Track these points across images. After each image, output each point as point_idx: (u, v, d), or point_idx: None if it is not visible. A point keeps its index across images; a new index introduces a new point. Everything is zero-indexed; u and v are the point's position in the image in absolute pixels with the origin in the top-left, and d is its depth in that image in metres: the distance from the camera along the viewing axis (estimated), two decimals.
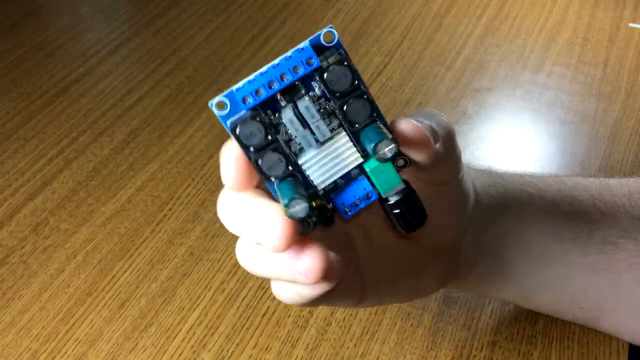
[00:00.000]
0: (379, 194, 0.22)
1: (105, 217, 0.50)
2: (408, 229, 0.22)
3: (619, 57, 0.67)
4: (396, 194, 0.22)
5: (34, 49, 0.69)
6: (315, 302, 0.23)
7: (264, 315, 0.43)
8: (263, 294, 0.44)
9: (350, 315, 0.43)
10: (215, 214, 0.50)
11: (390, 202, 0.22)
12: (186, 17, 0.74)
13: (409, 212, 0.22)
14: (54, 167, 0.55)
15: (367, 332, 0.42)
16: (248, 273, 0.46)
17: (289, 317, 0.43)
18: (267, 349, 0.41)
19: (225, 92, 0.21)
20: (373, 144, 0.20)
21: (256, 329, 0.42)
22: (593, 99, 0.62)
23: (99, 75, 0.66)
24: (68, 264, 0.47)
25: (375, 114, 0.21)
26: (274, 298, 0.44)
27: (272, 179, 0.21)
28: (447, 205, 0.27)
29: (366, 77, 0.65)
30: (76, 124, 0.60)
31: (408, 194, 0.22)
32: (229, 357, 0.41)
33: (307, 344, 0.41)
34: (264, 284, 0.45)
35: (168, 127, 0.59)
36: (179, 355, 0.41)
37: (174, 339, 0.42)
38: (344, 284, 0.25)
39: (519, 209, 0.31)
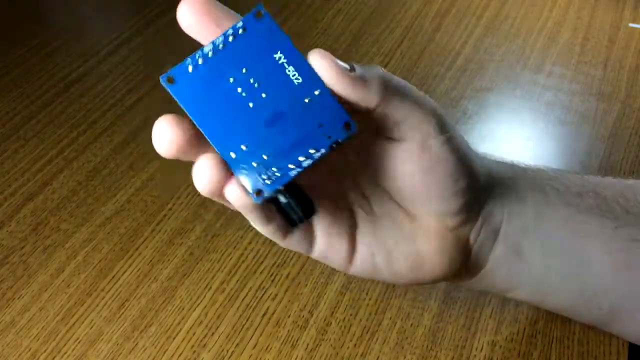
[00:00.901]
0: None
1: (105, 217, 0.50)
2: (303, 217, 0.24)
3: (619, 57, 0.67)
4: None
5: (34, 49, 0.69)
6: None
7: (264, 315, 0.43)
8: (263, 294, 0.44)
9: (350, 315, 0.43)
10: (215, 213, 0.51)
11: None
12: None
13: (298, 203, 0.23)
14: (54, 167, 0.55)
15: (367, 332, 0.42)
16: (248, 273, 0.46)
17: (289, 317, 0.43)
18: (267, 349, 0.41)
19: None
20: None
21: (256, 329, 0.42)
22: (593, 99, 0.62)
23: (99, 75, 0.66)
24: (68, 264, 0.47)
25: None
26: (274, 298, 0.44)
27: None
28: (434, 170, 0.26)
29: None
30: (76, 124, 0.59)
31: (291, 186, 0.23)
32: (229, 357, 0.41)
33: (307, 344, 0.41)
34: (263, 284, 0.45)
35: None
36: (179, 355, 0.41)
37: (174, 339, 0.42)
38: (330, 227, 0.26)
39: (541, 202, 0.30)
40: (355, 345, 0.41)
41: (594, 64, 0.66)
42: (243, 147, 0.22)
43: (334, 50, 0.69)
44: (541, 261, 0.30)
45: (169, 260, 0.47)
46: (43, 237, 0.49)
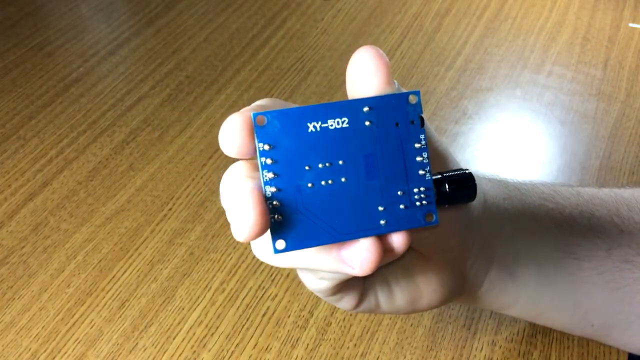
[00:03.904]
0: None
1: (105, 217, 0.50)
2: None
3: (619, 57, 0.67)
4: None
5: (34, 49, 0.69)
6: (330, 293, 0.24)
7: (264, 315, 0.43)
8: (263, 294, 0.44)
9: (350, 315, 0.43)
10: (215, 213, 0.51)
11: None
12: (186, 17, 0.74)
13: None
14: (54, 167, 0.55)
15: (367, 332, 0.42)
16: (248, 273, 0.46)
17: (289, 317, 0.43)
18: (267, 349, 0.41)
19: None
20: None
21: (256, 329, 0.42)
22: (593, 99, 0.62)
23: (99, 75, 0.66)
24: (68, 264, 0.47)
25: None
26: (274, 298, 0.44)
27: None
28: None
29: None
30: (76, 124, 0.60)
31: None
32: (229, 357, 0.41)
33: (307, 344, 0.41)
34: (263, 284, 0.45)
35: (168, 127, 0.59)
36: (179, 355, 0.41)
37: (174, 339, 0.42)
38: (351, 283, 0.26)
39: (535, 224, 0.30)
40: (355, 345, 0.41)
41: (594, 64, 0.66)
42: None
43: (334, 50, 0.69)
44: (534, 282, 0.30)
45: (169, 260, 0.47)
46: (43, 237, 0.49)
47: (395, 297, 0.28)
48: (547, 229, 0.30)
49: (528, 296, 0.31)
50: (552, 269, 0.30)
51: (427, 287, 0.28)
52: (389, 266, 0.27)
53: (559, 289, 0.31)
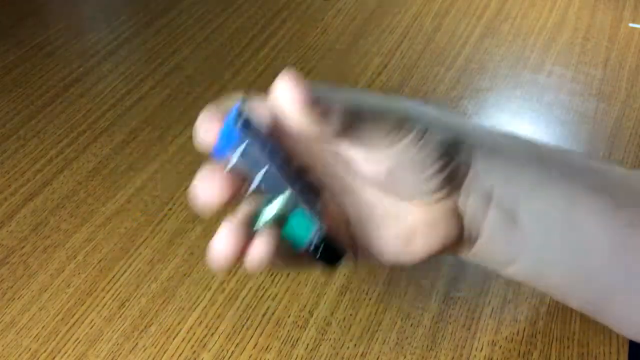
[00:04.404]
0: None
1: (105, 217, 0.50)
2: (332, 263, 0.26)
3: (619, 57, 0.67)
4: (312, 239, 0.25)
5: (34, 49, 0.69)
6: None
7: (264, 315, 0.43)
8: (263, 294, 0.44)
9: (350, 315, 0.43)
10: (215, 213, 0.51)
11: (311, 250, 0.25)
12: (186, 17, 0.74)
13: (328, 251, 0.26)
14: (54, 167, 0.55)
15: (367, 332, 0.42)
16: (248, 273, 0.46)
17: (289, 317, 0.43)
18: (267, 349, 0.41)
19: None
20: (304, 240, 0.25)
21: (256, 329, 0.42)
22: (593, 99, 0.62)
23: (99, 75, 0.66)
24: (68, 264, 0.47)
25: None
26: (274, 298, 0.44)
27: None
28: (404, 168, 0.26)
29: (366, 77, 0.65)
30: (76, 124, 0.60)
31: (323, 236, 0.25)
32: (229, 357, 0.41)
33: (307, 344, 0.41)
34: (264, 284, 0.45)
35: (168, 127, 0.59)
36: (179, 355, 0.41)
37: (174, 339, 0.42)
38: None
39: (542, 171, 0.29)
40: (355, 345, 0.41)
41: (594, 64, 0.66)
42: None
43: (334, 50, 0.69)
44: (538, 231, 0.29)
45: (169, 260, 0.47)
46: (43, 237, 0.49)
47: (388, 243, 0.28)
48: (555, 179, 0.29)
49: (532, 248, 0.30)
50: (558, 220, 0.29)
51: (419, 228, 0.28)
52: (372, 214, 0.28)
53: (565, 241, 0.30)
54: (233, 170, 0.24)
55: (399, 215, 0.28)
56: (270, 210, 0.25)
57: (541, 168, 0.30)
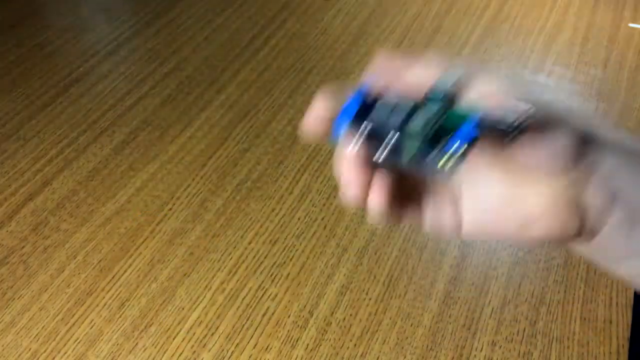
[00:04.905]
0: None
1: (105, 217, 0.50)
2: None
3: (619, 57, 0.67)
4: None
5: (34, 49, 0.69)
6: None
7: (264, 315, 0.43)
8: (263, 294, 0.44)
9: (350, 315, 0.43)
10: (215, 213, 0.51)
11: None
12: (186, 17, 0.74)
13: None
14: (54, 167, 0.55)
15: (367, 332, 0.42)
16: (248, 273, 0.46)
17: (289, 317, 0.43)
18: (267, 349, 0.41)
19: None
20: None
21: (256, 329, 0.42)
22: (593, 99, 0.62)
23: (99, 75, 0.66)
24: (68, 264, 0.47)
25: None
26: (274, 298, 0.44)
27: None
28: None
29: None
30: (76, 124, 0.60)
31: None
32: (229, 357, 0.41)
33: (307, 344, 0.41)
34: (264, 284, 0.45)
35: (168, 127, 0.59)
36: (179, 355, 0.41)
37: (174, 339, 0.42)
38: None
39: None
40: (355, 345, 0.41)
41: (594, 64, 0.66)
42: None
43: (334, 50, 0.69)
44: None
45: (168, 260, 0.47)
46: (43, 237, 0.49)
47: (502, 221, 0.29)
48: None
49: None
50: None
51: (539, 216, 0.28)
52: (489, 188, 0.28)
53: None
54: (362, 146, 0.24)
55: (521, 199, 0.28)
56: (420, 121, 0.23)
57: None
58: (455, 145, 0.22)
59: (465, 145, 0.22)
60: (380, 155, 0.24)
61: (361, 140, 0.23)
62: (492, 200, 0.28)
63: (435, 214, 0.29)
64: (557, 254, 0.46)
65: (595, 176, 0.28)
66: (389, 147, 0.23)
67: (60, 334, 0.42)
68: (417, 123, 0.23)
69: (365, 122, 0.23)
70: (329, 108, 0.25)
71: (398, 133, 0.23)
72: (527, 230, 0.28)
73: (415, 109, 0.23)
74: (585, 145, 0.28)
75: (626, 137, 0.31)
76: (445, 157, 0.22)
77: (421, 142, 0.23)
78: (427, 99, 0.24)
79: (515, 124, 0.23)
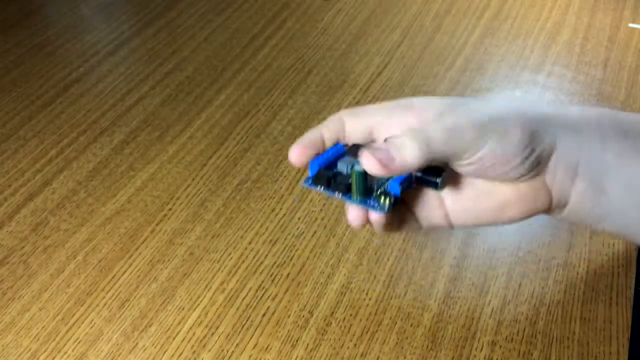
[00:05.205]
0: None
1: (105, 217, 0.50)
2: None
3: (619, 57, 0.67)
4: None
5: (34, 49, 0.69)
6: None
7: (264, 315, 0.43)
8: (263, 294, 0.44)
9: (350, 315, 0.43)
10: (215, 213, 0.51)
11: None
12: (186, 17, 0.74)
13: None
14: (54, 167, 0.55)
15: (367, 332, 0.42)
16: (248, 273, 0.46)
17: (289, 317, 0.43)
18: (267, 349, 0.41)
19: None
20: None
21: (256, 329, 0.42)
22: (593, 99, 0.62)
23: (99, 75, 0.66)
24: (68, 264, 0.47)
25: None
26: (274, 298, 0.44)
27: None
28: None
29: (366, 77, 0.65)
30: (76, 124, 0.60)
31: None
32: (229, 357, 0.41)
33: (307, 344, 0.41)
34: (264, 284, 0.45)
35: (168, 127, 0.59)
36: (179, 355, 0.41)
37: (174, 339, 0.42)
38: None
39: (624, 142, 0.31)
40: (355, 345, 0.41)
41: (594, 64, 0.66)
42: None
43: (334, 50, 0.69)
44: (625, 196, 0.32)
45: (168, 260, 0.47)
46: (43, 237, 0.49)
47: (479, 212, 0.32)
48: (637, 147, 0.31)
49: (617, 210, 0.32)
50: None
51: (508, 204, 0.31)
52: (465, 191, 0.32)
53: None
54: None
55: (491, 192, 0.32)
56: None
57: (625, 140, 0.32)
58: (384, 200, 0.28)
59: (394, 198, 0.28)
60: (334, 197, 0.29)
61: (322, 190, 0.29)
62: (470, 197, 0.32)
63: (426, 214, 0.32)
64: (557, 254, 0.46)
65: (554, 155, 0.31)
66: (339, 197, 0.29)
67: (60, 334, 0.42)
68: (355, 185, 0.29)
69: (326, 176, 0.29)
70: (306, 155, 0.30)
71: (341, 194, 0.29)
72: (504, 214, 0.32)
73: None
74: (537, 133, 0.30)
75: (574, 110, 0.33)
76: (381, 200, 0.29)
77: (360, 194, 0.29)
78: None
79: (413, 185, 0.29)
